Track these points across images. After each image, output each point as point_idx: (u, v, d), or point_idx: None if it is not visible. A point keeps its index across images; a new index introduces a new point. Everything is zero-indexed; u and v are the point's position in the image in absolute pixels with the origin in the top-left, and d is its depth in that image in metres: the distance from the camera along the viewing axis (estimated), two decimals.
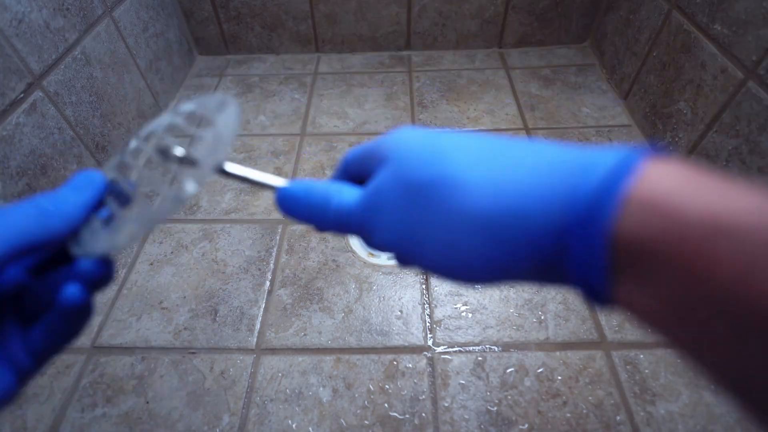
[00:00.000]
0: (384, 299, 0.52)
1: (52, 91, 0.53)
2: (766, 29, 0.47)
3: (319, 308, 0.52)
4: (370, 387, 0.45)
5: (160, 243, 0.59)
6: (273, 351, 0.49)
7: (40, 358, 0.19)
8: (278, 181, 0.20)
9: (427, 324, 0.50)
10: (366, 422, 0.43)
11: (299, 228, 0.60)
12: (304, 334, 0.50)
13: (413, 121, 0.76)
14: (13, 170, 0.47)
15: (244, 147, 0.72)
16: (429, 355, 0.48)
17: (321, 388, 0.45)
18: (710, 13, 0.55)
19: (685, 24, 0.60)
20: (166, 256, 0.58)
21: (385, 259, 0.57)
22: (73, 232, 0.17)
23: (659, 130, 0.66)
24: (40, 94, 0.51)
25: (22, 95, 0.48)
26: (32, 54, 0.50)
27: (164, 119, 0.20)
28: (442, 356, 0.47)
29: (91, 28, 0.60)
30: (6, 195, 0.46)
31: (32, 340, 0.18)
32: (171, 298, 0.53)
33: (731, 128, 0.52)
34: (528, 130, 0.73)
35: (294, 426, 0.43)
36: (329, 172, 0.68)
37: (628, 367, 0.46)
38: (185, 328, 0.51)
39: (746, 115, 0.50)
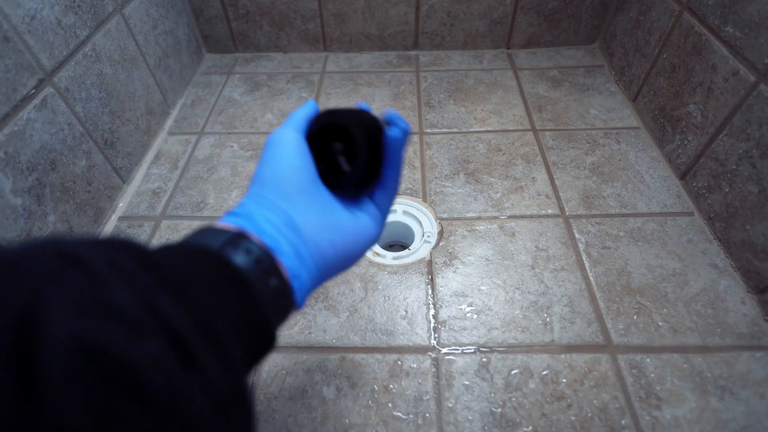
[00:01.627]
0: (389, 299, 0.52)
1: (63, 88, 0.53)
2: None
3: (324, 307, 0.52)
4: (375, 386, 0.45)
5: (168, 239, 0.60)
6: (277, 349, 0.49)
7: (384, 210, 0.29)
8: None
9: (432, 324, 0.50)
10: (370, 421, 0.43)
11: None
12: (309, 333, 0.50)
13: (420, 121, 0.76)
14: (24, 165, 0.48)
15: (251, 145, 0.73)
16: (433, 355, 0.47)
17: (325, 387, 0.45)
18: (722, 15, 0.55)
19: (696, 26, 0.60)
20: None
21: (390, 259, 0.57)
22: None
23: (668, 133, 0.66)
24: (51, 90, 0.51)
25: (33, 91, 0.49)
26: (44, 50, 0.50)
27: None
28: (447, 357, 0.47)
29: (101, 25, 0.61)
30: (16, 190, 0.47)
31: (377, 200, 0.29)
32: None
33: (742, 132, 0.52)
34: (535, 132, 0.72)
35: (298, 424, 0.43)
36: None
37: (633, 371, 0.45)
38: None
39: (758, 118, 0.50)
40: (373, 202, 0.28)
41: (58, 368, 0.11)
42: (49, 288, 0.13)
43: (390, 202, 0.29)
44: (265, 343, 0.20)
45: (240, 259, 0.20)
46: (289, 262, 0.22)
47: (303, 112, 0.27)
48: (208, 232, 0.21)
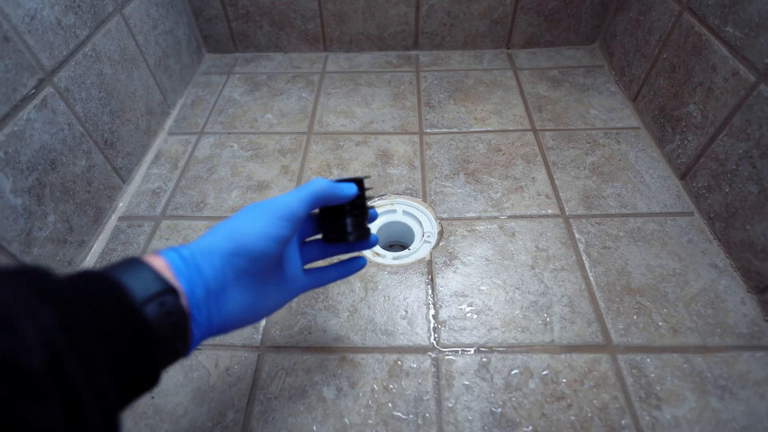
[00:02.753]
0: (389, 299, 0.52)
1: (63, 87, 0.53)
2: None
3: (324, 307, 0.52)
4: (374, 386, 0.45)
5: (167, 240, 0.60)
6: (277, 349, 0.49)
7: (319, 281, 0.37)
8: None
9: (432, 324, 0.50)
10: (370, 421, 0.43)
11: None
12: (309, 333, 0.50)
13: (420, 121, 0.76)
14: (24, 165, 0.48)
15: (251, 145, 0.73)
16: (433, 355, 0.47)
17: (325, 387, 0.45)
18: (722, 15, 0.55)
19: (696, 26, 0.60)
20: None
21: (390, 259, 0.57)
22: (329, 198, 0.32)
23: (668, 133, 0.66)
24: (51, 90, 0.52)
25: (33, 91, 0.49)
26: (44, 50, 0.50)
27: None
28: (447, 357, 0.47)
29: (101, 25, 0.61)
30: (16, 190, 0.47)
31: (328, 272, 0.37)
32: None
33: (742, 132, 0.52)
34: (535, 132, 0.72)
35: (297, 424, 0.43)
36: (336, 171, 0.68)
37: (633, 371, 0.45)
38: None
39: (758, 118, 0.50)
40: (309, 275, 0.35)
41: None
42: None
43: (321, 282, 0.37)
44: (149, 386, 0.22)
45: (153, 312, 0.22)
46: (197, 331, 0.25)
47: (319, 188, 0.31)
48: (145, 273, 0.23)
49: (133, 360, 0.21)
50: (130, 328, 0.20)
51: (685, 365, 0.46)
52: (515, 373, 0.46)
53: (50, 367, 0.16)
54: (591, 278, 0.53)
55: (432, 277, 0.54)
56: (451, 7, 0.84)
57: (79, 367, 0.17)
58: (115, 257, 0.58)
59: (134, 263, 0.23)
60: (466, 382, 0.45)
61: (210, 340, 0.49)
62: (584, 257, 0.55)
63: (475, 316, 0.50)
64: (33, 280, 0.18)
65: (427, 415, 0.43)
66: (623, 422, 0.42)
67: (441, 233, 0.59)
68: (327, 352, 0.48)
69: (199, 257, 0.25)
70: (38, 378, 0.15)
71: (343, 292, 0.53)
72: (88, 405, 0.17)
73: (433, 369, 0.46)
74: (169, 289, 0.23)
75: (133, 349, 0.20)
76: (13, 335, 0.15)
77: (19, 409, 0.14)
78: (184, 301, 0.24)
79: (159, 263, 0.24)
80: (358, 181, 0.35)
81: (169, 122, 0.78)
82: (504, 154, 0.69)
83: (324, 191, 0.31)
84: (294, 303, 0.53)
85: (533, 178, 0.65)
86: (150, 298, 0.22)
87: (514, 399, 0.44)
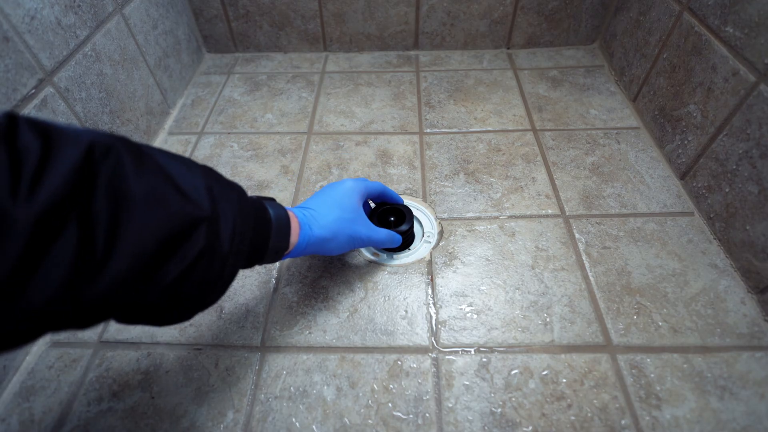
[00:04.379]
0: (389, 299, 0.52)
1: (63, 87, 0.53)
2: None
3: (324, 307, 0.52)
4: (374, 386, 0.45)
5: None
6: (278, 349, 0.49)
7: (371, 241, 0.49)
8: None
9: (432, 324, 0.50)
10: (369, 421, 0.43)
11: None
12: (309, 333, 0.50)
13: (420, 121, 0.76)
14: None
15: (251, 145, 0.73)
16: (433, 355, 0.47)
17: (325, 387, 0.45)
18: (722, 15, 0.55)
19: (696, 26, 0.60)
20: None
21: (390, 259, 0.57)
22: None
23: (668, 133, 0.66)
24: (51, 90, 0.52)
25: (33, 91, 0.49)
26: (44, 50, 0.50)
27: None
28: (447, 357, 0.47)
29: (101, 25, 0.61)
30: None
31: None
32: None
33: (742, 132, 0.52)
34: (535, 132, 0.72)
35: (298, 424, 0.43)
36: (336, 171, 0.68)
37: (633, 371, 0.45)
38: (191, 325, 0.51)
39: (757, 118, 0.50)
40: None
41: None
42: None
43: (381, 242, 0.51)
44: (250, 267, 0.37)
45: (273, 247, 0.38)
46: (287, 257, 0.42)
47: (371, 185, 0.51)
48: (286, 229, 0.39)
49: (254, 259, 0.36)
50: (262, 247, 0.36)
51: (685, 365, 0.46)
52: (515, 373, 0.46)
53: (228, 252, 0.30)
54: (591, 278, 0.53)
55: (432, 277, 0.54)
56: (451, 7, 0.84)
57: (237, 257, 0.32)
58: None
59: (284, 217, 0.39)
60: (466, 382, 0.45)
61: (210, 341, 0.50)
62: (584, 257, 0.55)
63: (475, 316, 0.50)
64: (242, 194, 0.34)
65: (427, 415, 0.43)
66: (623, 422, 0.42)
67: (441, 233, 0.59)
68: (327, 352, 0.48)
69: (314, 241, 0.42)
70: (220, 251, 0.30)
71: (343, 292, 0.53)
72: (230, 270, 0.32)
73: (433, 369, 0.46)
74: (287, 245, 0.39)
75: (257, 257, 0.36)
76: (225, 225, 0.30)
77: (208, 263, 0.29)
78: (290, 250, 0.40)
79: (294, 225, 0.40)
80: (405, 213, 0.55)
81: (169, 122, 0.78)
82: (504, 154, 0.69)
83: (387, 242, 0.50)
84: (294, 303, 0.53)
85: (533, 178, 0.65)
86: (277, 246, 0.38)
87: (514, 399, 0.44)
